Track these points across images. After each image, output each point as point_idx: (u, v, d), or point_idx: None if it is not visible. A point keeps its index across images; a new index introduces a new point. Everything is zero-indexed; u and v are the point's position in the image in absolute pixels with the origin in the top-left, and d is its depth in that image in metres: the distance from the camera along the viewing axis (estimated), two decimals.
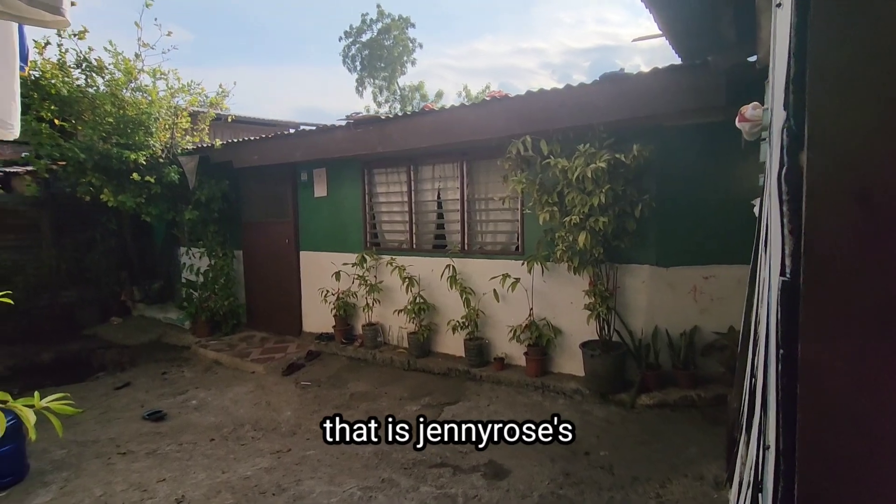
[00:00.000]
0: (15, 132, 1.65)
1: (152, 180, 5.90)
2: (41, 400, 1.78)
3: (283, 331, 6.99)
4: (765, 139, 2.41)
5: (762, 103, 2.38)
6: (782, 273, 0.54)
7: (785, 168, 0.59)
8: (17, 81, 1.56)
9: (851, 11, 0.55)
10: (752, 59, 3.02)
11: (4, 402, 1.64)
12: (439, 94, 27.86)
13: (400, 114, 5.10)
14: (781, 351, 0.51)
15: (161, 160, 6.16)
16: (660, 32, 2.69)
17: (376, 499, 3.08)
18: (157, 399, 5.14)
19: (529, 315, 4.86)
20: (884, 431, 0.50)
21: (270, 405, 4.80)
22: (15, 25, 1.48)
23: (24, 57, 1.65)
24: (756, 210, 1.85)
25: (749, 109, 2.28)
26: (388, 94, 27.78)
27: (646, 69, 3.79)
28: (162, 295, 8.27)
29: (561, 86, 4.10)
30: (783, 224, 0.56)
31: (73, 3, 2.25)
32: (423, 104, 26.98)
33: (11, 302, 2.56)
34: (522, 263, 4.77)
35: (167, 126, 6.25)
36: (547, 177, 4.44)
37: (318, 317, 6.61)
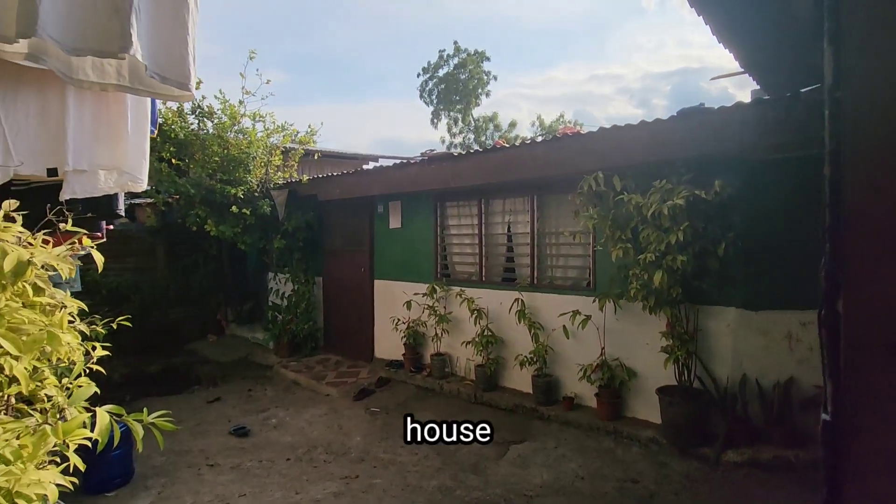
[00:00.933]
0: (144, 185, 1.96)
1: (248, 212, 6.53)
2: (148, 415, 2.03)
3: (356, 355, 7.28)
4: None
5: None
6: (825, 410, 0.53)
7: (823, 312, 0.57)
8: (148, 143, 1.87)
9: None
10: None
11: (119, 415, 1.89)
12: (513, 125, 28.14)
13: (472, 150, 5.26)
14: (826, 488, 0.50)
15: (256, 194, 6.81)
16: (741, 70, 2.58)
17: None
18: (243, 415, 5.54)
19: (601, 354, 4.68)
20: None
21: (342, 429, 4.99)
22: (149, 98, 1.79)
23: (153, 122, 1.97)
24: None
25: None
26: (463, 126, 28.52)
27: (732, 97, 3.62)
28: (252, 316, 8.97)
29: (636, 121, 4.03)
30: (824, 366, 0.55)
31: (199, 82, 2.61)
32: (496, 135, 27.41)
33: (130, 325, 2.94)
34: (594, 300, 4.62)
35: (262, 163, 6.92)
36: (620, 213, 4.32)
37: (389, 344, 6.81)
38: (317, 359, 7.43)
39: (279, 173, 7.25)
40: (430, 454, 4.29)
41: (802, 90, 2.97)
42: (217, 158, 6.59)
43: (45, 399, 1.84)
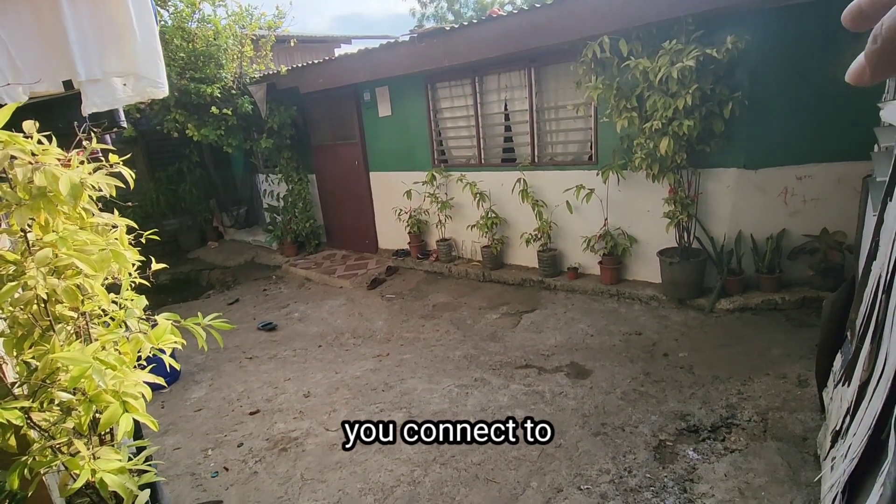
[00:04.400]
0: (165, 90, 1.84)
1: (229, 112, 6.17)
2: (204, 319, 2.17)
3: (360, 248, 7.48)
4: None
5: None
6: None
7: None
8: (159, 42, 1.71)
9: None
10: None
11: (178, 321, 2.02)
12: None
13: (465, 23, 4.85)
14: None
15: (233, 92, 6.37)
16: None
17: (472, 395, 3.49)
18: (265, 312, 5.85)
19: (604, 225, 4.88)
20: None
21: (363, 316, 5.33)
22: None
23: (155, 20, 1.79)
24: (884, 114, 1.72)
25: None
26: None
27: None
28: (248, 219, 8.98)
29: None
30: None
31: None
32: (470, 1, 24.85)
33: (158, 238, 2.97)
34: (597, 173, 4.69)
35: (234, 56, 6.36)
36: (625, 80, 4.18)
37: (392, 234, 6.96)
38: (323, 255, 7.63)
39: (254, 66, 6.70)
40: (451, 329, 4.67)
41: None
42: (182, 54, 6.02)
43: (103, 313, 1.95)
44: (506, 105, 5.53)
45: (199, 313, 2.17)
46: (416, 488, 2.66)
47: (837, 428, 1.27)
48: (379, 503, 2.60)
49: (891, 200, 1.13)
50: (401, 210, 6.49)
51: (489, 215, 5.63)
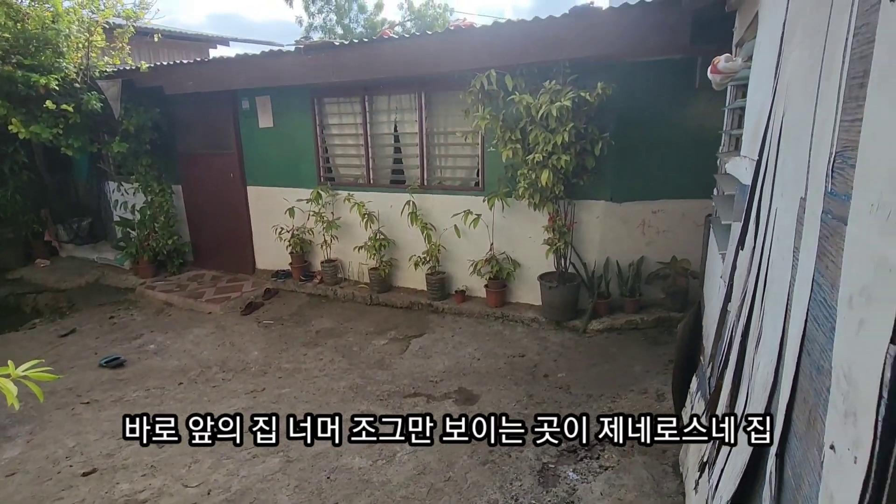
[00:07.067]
0: None
1: (70, 108, 5.22)
2: (16, 369, 1.73)
3: (235, 269, 6.80)
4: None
5: (730, 52, 2.47)
6: (893, 340, 0.53)
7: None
8: None
9: None
10: None
11: None
12: (379, 6, 25.60)
13: (356, 41, 4.73)
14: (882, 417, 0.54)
15: (77, 85, 5.42)
16: None
17: None
18: (110, 345, 4.97)
19: (490, 249, 5.04)
20: None
21: (235, 346, 4.80)
22: None
23: None
24: (729, 167, 1.98)
25: (721, 61, 2.36)
26: (322, 3, 25.13)
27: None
28: (93, 234, 7.67)
29: (529, 17, 3.97)
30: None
31: None
32: (361, 17, 24.82)
33: None
34: (484, 200, 4.84)
35: (80, 45, 5.43)
36: (510, 113, 4.41)
37: (272, 254, 6.46)
38: (188, 276, 6.79)
39: (105, 58, 5.80)
40: (336, 357, 4.40)
41: None
42: (7, 35, 4.98)
43: None
44: (396, 126, 5.49)
45: (10, 362, 1.71)
46: None
47: (704, 459, 1.38)
48: None
49: (742, 249, 1.26)
50: (282, 228, 6.05)
51: (378, 237, 5.49)
